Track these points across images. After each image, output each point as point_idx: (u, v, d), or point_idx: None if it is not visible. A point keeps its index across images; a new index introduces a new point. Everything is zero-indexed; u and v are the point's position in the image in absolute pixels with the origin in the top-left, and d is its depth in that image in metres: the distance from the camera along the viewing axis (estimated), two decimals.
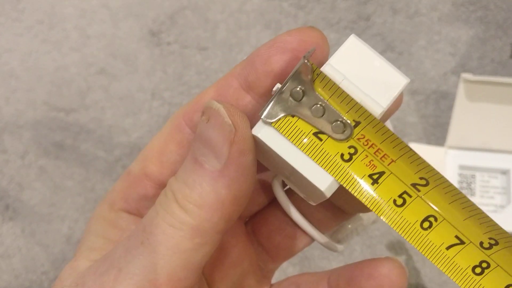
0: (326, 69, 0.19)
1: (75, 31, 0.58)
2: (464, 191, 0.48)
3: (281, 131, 0.18)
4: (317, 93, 0.18)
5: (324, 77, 0.18)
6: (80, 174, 0.53)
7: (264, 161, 0.20)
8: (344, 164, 0.18)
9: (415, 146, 0.48)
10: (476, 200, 0.48)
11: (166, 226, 0.18)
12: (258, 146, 0.19)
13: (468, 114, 0.48)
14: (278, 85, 0.18)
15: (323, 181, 0.18)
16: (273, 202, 0.24)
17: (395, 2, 0.57)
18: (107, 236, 0.21)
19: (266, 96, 0.20)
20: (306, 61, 0.17)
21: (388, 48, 0.55)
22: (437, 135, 0.52)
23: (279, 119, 0.18)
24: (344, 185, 0.18)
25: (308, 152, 0.18)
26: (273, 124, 0.18)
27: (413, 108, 0.52)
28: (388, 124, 0.21)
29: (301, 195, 0.21)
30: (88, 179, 0.53)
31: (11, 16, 0.60)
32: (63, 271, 0.21)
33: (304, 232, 0.23)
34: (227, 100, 0.20)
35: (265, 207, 0.25)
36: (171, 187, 0.18)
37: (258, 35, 0.56)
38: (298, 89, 0.18)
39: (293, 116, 0.18)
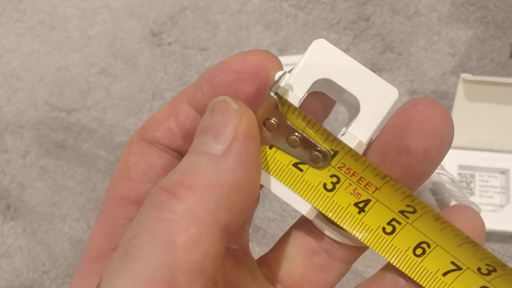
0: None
1: (76, 31, 0.59)
2: (463, 191, 0.49)
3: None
4: (291, 123, 0.17)
5: (296, 108, 0.17)
6: (82, 174, 0.53)
7: None
8: (328, 194, 0.17)
9: None
10: (475, 199, 0.48)
11: (152, 221, 0.15)
12: None
13: (468, 114, 0.48)
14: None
15: (305, 206, 0.18)
16: (280, 240, 0.21)
17: (395, 2, 0.57)
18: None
19: None
20: (272, 94, 0.17)
21: (387, 49, 0.55)
22: None
23: None
24: (330, 216, 0.17)
25: (290, 185, 0.17)
26: None
27: None
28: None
29: None
30: (89, 178, 0.53)
31: (13, 16, 0.60)
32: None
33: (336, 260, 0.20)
34: (179, 117, 0.19)
35: (273, 247, 0.21)
36: (159, 183, 0.16)
37: (259, 35, 0.56)
38: (272, 121, 0.17)
39: (270, 147, 0.17)
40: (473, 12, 0.56)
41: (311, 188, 0.17)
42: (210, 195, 0.15)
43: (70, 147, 0.54)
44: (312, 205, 0.18)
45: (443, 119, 0.17)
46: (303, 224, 0.20)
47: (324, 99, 0.19)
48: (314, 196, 0.17)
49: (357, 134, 0.17)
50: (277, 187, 0.18)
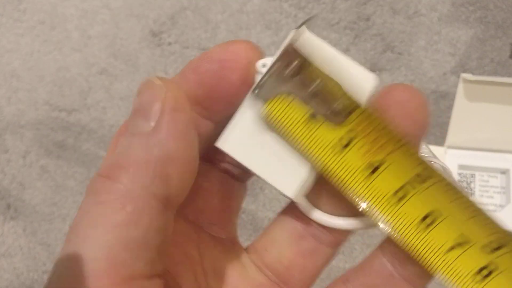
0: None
1: (76, 31, 0.59)
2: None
3: (275, 112, 0.17)
4: (313, 69, 0.16)
5: (314, 65, 0.16)
6: (82, 174, 0.53)
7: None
8: (339, 152, 0.16)
9: None
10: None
11: (91, 206, 0.15)
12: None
13: (468, 114, 0.48)
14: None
15: (290, 187, 0.17)
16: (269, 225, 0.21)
17: (395, 2, 0.57)
18: None
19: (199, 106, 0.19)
20: (299, 29, 0.16)
21: (388, 48, 0.55)
22: (437, 134, 0.52)
23: (274, 98, 0.16)
24: (339, 175, 0.17)
25: (301, 138, 0.17)
26: (268, 104, 0.17)
27: None
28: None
29: None
30: (89, 178, 0.53)
31: (13, 16, 0.60)
32: None
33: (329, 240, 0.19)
34: None
35: (261, 234, 0.21)
36: (97, 170, 0.16)
37: (259, 35, 0.56)
38: (294, 64, 0.16)
39: (288, 94, 0.17)
40: (473, 12, 0.56)
41: (323, 143, 0.17)
42: (143, 171, 0.15)
43: (70, 147, 0.54)
44: (322, 162, 0.17)
45: (420, 104, 0.17)
46: (290, 209, 0.20)
47: None
48: (324, 153, 0.17)
49: None
50: (260, 166, 0.17)
